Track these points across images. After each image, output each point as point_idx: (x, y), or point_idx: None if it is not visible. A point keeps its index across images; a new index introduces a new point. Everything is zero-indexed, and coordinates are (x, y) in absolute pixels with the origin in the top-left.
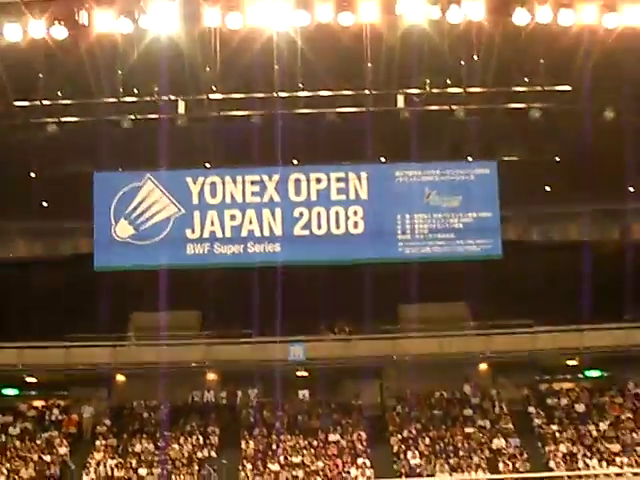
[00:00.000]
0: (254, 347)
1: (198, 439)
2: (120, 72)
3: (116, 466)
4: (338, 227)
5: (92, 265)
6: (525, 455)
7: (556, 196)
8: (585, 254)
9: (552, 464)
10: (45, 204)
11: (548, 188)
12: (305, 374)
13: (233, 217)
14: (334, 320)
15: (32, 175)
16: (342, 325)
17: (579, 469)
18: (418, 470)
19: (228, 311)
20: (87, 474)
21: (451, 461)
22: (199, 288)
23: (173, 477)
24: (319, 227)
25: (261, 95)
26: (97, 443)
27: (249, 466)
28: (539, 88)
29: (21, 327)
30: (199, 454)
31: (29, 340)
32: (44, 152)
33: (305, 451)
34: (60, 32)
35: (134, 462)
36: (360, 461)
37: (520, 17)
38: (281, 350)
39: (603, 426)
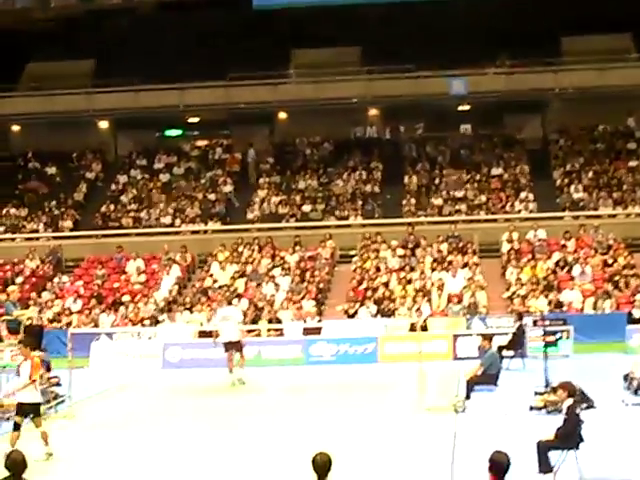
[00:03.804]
0: (415, 82)
1: (361, 174)
2: None
3: (280, 203)
4: None
5: (252, 3)
6: None
7: None
8: None
9: None
10: None
11: None
12: (467, 108)
13: None
14: (496, 53)
15: None
16: (504, 58)
17: None
18: (581, 204)
19: (389, 46)
20: (251, 211)
21: (614, 195)
22: (359, 23)
23: (337, 212)
24: None
25: None
26: (261, 181)
27: (412, 201)
28: None
29: (182, 68)
30: (362, 189)
31: (190, 81)
32: None
33: (468, 185)
34: None
35: (298, 199)
36: (523, 195)
37: None
38: (442, 84)
39: None
